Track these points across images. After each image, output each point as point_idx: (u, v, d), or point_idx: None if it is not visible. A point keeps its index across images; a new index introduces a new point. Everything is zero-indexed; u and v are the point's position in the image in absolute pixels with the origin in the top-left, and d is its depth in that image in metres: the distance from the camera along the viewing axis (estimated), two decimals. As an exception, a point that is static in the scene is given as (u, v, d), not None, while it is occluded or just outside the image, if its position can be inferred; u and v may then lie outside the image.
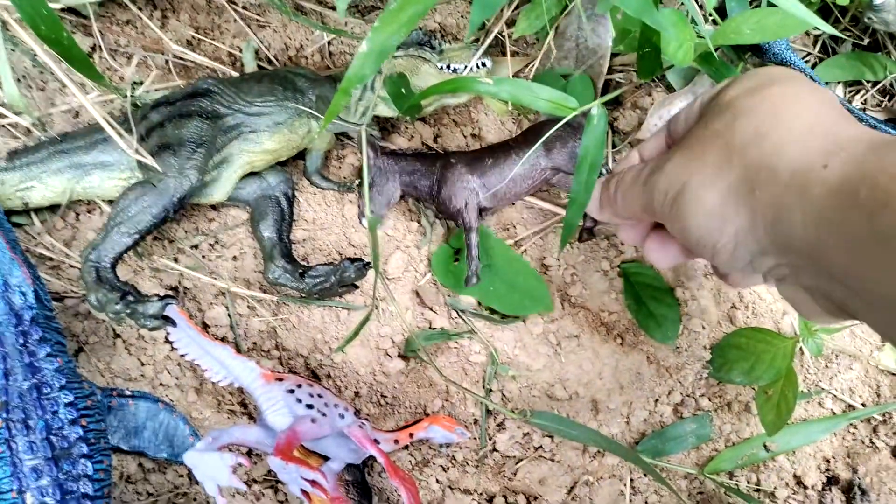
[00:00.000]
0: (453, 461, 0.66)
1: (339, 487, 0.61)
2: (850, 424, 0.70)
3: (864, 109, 0.70)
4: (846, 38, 0.67)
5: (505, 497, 0.66)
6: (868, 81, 0.69)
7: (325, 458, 0.62)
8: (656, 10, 0.41)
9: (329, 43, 0.69)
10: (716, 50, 0.57)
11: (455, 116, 0.70)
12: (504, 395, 0.67)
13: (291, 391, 0.59)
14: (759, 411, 0.63)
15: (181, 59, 0.67)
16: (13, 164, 0.59)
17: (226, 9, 0.68)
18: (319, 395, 0.60)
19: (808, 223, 0.31)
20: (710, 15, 0.60)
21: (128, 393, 0.60)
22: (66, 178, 0.60)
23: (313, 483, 0.55)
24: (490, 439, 0.66)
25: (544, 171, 0.61)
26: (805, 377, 0.70)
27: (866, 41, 0.67)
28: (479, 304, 0.67)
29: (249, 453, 0.64)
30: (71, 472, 0.51)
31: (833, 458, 0.70)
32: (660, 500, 0.68)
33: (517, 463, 0.66)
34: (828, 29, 0.47)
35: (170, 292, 0.64)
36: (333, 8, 0.69)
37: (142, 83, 0.66)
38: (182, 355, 0.61)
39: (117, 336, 0.63)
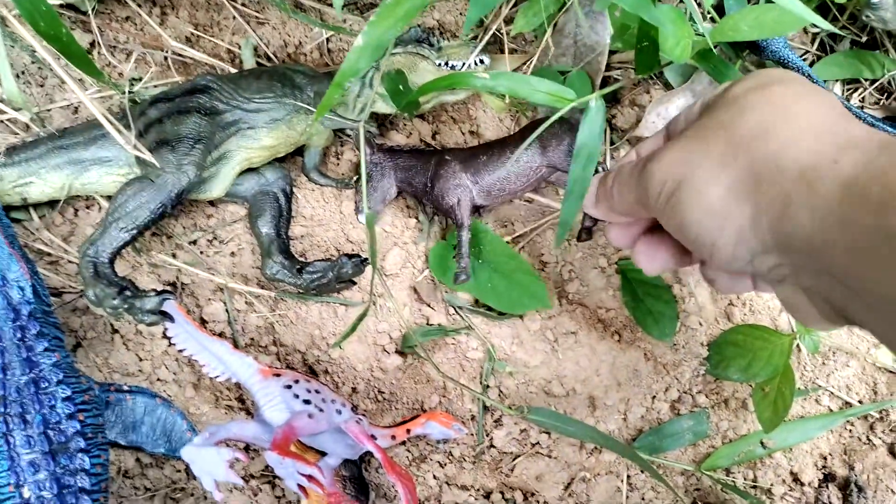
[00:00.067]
0: (450, 457, 0.66)
1: (336, 483, 0.62)
2: (847, 421, 0.70)
3: (863, 107, 0.70)
4: (844, 35, 0.67)
5: (502, 493, 0.67)
6: (866, 79, 0.69)
7: (323, 454, 0.62)
8: (653, 6, 0.41)
9: (328, 40, 0.70)
10: (714, 47, 0.58)
11: (453, 113, 0.70)
12: (501, 392, 0.67)
13: (289, 387, 0.59)
14: (756, 408, 0.63)
15: (180, 55, 0.67)
16: (12, 160, 0.60)
17: (225, 6, 0.68)
18: (317, 391, 0.60)
19: (815, 220, 0.31)
20: (709, 12, 0.60)
21: (126, 388, 0.60)
22: (64, 173, 0.60)
23: (310, 478, 0.55)
24: (487, 435, 0.66)
25: (540, 168, 0.61)
26: (802, 374, 0.70)
27: (864, 39, 0.67)
28: (477, 300, 0.67)
29: (247, 449, 0.64)
30: (68, 466, 0.51)
31: (830, 455, 0.70)
32: (657, 496, 0.68)
33: (514, 459, 0.67)
34: (826, 26, 0.47)
35: (168, 288, 0.64)
36: (332, 5, 0.69)
37: (140, 79, 0.66)
38: (180, 351, 0.61)
39: (115, 331, 0.63)
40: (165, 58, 0.67)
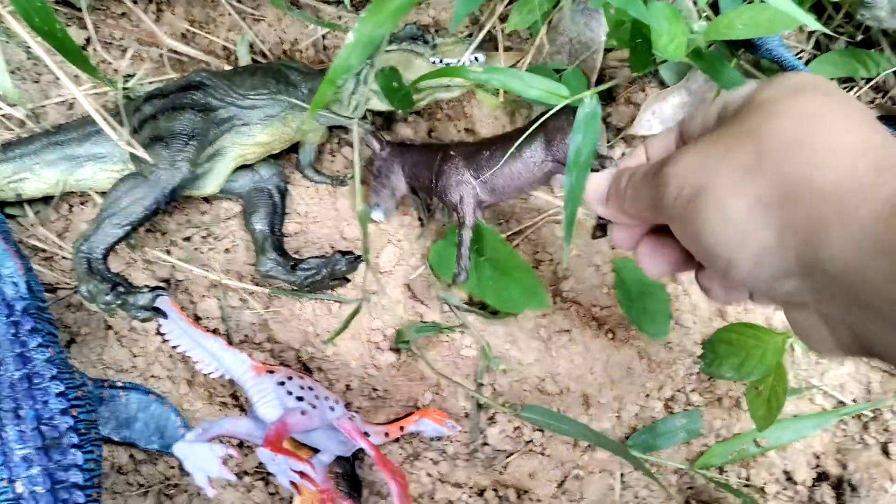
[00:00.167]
0: (444, 454, 0.66)
1: (329, 479, 0.62)
2: (841, 421, 0.70)
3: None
4: (839, 34, 0.67)
5: (495, 490, 0.67)
6: (861, 78, 0.69)
7: (316, 451, 0.62)
8: (642, 4, 0.41)
9: (323, 37, 0.70)
10: (709, 46, 0.58)
11: (448, 111, 0.70)
12: (495, 389, 0.67)
13: (282, 383, 0.59)
14: (750, 407, 0.63)
15: (175, 52, 0.67)
16: (6, 156, 0.60)
17: (220, 2, 0.68)
18: (310, 388, 0.60)
19: (850, 247, 0.28)
20: (703, 11, 0.60)
21: (119, 384, 0.60)
22: (59, 169, 0.60)
23: (302, 475, 0.55)
24: (481, 433, 0.66)
25: (545, 163, 0.59)
26: (796, 373, 0.70)
27: (860, 38, 0.67)
28: (471, 298, 0.67)
29: (240, 445, 0.64)
30: (61, 461, 0.52)
31: (823, 454, 0.70)
32: (650, 494, 0.68)
33: (508, 457, 0.67)
34: (817, 26, 0.47)
35: (161, 284, 0.64)
36: (328, 2, 0.69)
37: (134, 76, 0.66)
38: (173, 347, 0.61)
39: (109, 327, 0.64)
40: (160, 54, 0.67)
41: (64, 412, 0.53)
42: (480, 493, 0.67)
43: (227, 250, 0.66)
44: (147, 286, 0.58)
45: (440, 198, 0.62)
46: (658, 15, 0.51)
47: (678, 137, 0.43)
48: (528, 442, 0.67)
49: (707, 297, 0.41)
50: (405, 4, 0.39)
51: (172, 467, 0.64)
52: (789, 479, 0.69)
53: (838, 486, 0.69)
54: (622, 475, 0.68)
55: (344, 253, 0.64)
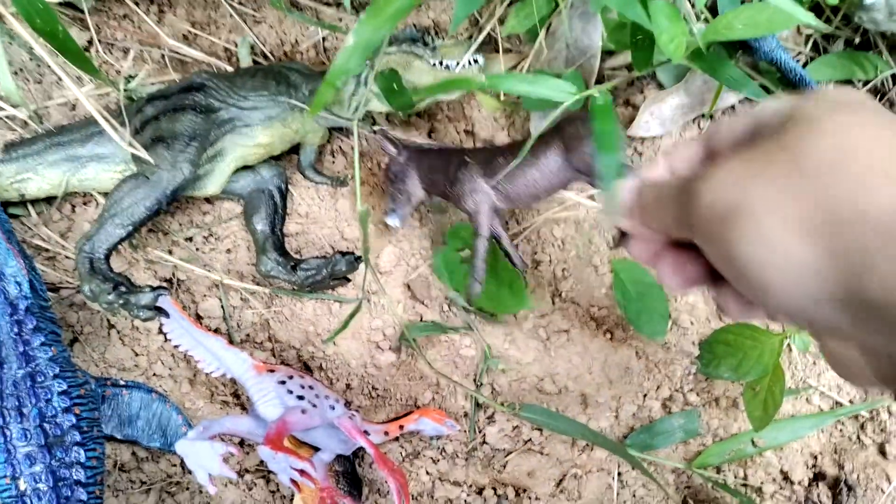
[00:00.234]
0: (443, 453, 0.67)
1: (329, 478, 0.62)
2: (838, 421, 0.71)
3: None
4: (838, 36, 0.68)
5: (494, 489, 0.67)
6: (859, 80, 0.69)
7: (316, 449, 0.62)
8: (640, 6, 0.41)
9: (324, 39, 0.70)
10: (708, 48, 0.58)
11: (448, 113, 0.70)
12: (494, 389, 0.67)
13: (283, 382, 0.60)
14: (747, 407, 0.63)
15: (177, 53, 0.68)
16: (10, 156, 0.60)
17: (222, 4, 0.68)
18: (310, 387, 0.61)
19: (895, 271, 0.27)
20: (702, 13, 0.60)
21: (122, 383, 0.61)
22: (61, 170, 0.61)
23: (303, 473, 0.55)
24: (480, 432, 0.67)
25: (561, 171, 0.57)
26: (793, 373, 0.70)
27: (858, 40, 0.68)
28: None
29: (241, 443, 0.65)
30: (64, 459, 0.52)
31: (820, 454, 0.70)
32: (647, 493, 0.69)
33: (506, 455, 0.67)
34: (818, 25, 0.47)
35: (163, 284, 0.65)
36: (328, 4, 0.70)
37: (136, 77, 0.66)
38: (175, 346, 0.62)
39: (112, 326, 0.64)
40: (162, 56, 0.68)
41: (67, 410, 0.53)
42: (479, 492, 0.67)
43: (228, 250, 0.67)
44: (149, 286, 0.58)
45: (456, 204, 0.60)
46: (659, 14, 0.51)
47: (703, 150, 0.40)
48: (526, 441, 0.67)
49: (721, 313, 0.40)
50: (404, 7, 0.40)
51: (174, 465, 0.64)
52: (786, 478, 0.70)
53: (835, 486, 0.69)
54: (620, 474, 0.68)
55: (344, 253, 0.64)
